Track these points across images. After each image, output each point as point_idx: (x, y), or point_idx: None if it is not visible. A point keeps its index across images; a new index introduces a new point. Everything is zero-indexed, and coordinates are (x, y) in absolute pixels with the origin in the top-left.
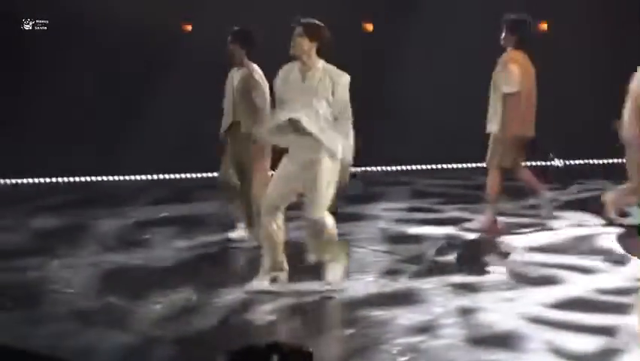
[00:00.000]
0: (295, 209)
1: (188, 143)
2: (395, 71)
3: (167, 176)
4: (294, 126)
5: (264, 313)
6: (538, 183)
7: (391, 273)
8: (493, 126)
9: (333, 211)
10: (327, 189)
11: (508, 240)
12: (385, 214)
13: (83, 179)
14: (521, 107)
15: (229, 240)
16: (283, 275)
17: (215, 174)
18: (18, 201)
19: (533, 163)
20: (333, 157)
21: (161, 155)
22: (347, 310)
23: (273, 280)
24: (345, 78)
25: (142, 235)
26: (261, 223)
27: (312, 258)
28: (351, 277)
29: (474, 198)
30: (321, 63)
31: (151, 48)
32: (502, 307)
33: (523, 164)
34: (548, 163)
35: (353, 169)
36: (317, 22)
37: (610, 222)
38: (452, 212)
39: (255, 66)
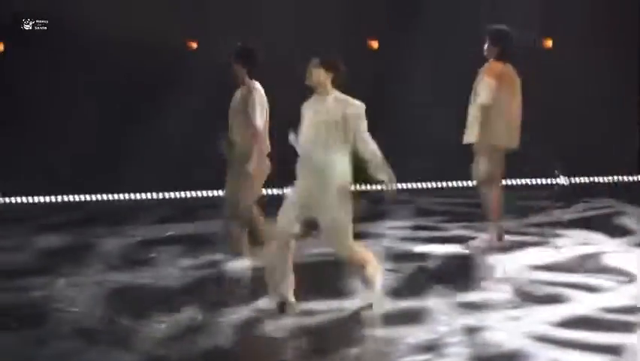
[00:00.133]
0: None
1: (194, 161)
2: (399, 89)
3: (172, 195)
4: (305, 155)
5: (269, 333)
6: (498, 211)
7: (396, 291)
8: (469, 137)
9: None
10: (342, 217)
11: (513, 258)
12: (390, 232)
13: (87, 197)
14: (500, 118)
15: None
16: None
17: (221, 193)
18: (22, 220)
19: (539, 181)
20: (340, 186)
21: (166, 173)
22: (352, 329)
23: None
24: (354, 108)
25: (147, 253)
26: (270, 247)
27: None
28: (356, 296)
29: (478, 216)
30: (334, 94)
31: (155, 65)
32: (507, 326)
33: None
34: (553, 181)
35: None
36: (334, 54)
37: None
38: (457, 230)
39: (256, 85)
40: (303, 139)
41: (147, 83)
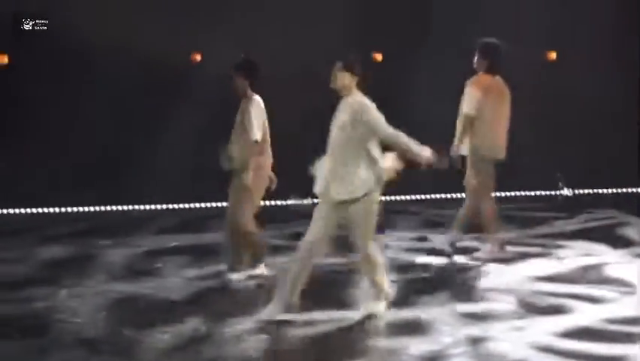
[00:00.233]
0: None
1: (198, 172)
2: (404, 101)
3: (176, 206)
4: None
5: (274, 344)
6: (494, 223)
7: (400, 302)
8: (460, 149)
9: None
10: (369, 227)
11: (516, 269)
12: (394, 243)
13: (91, 208)
14: (486, 130)
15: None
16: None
17: (225, 204)
18: (25, 231)
19: (542, 192)
20: (355, 188)
21: (171, 184)
22: (357, 340)
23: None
24: (357, 106)
25: (151, 264)
26: (293, 258)
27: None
28: (360, 306)
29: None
30: (355, 97)
31: (159, 78)
32: (511, 337)
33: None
34: (557, 192)
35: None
36: (357, 56)
37: None
38: (461, 241)
39: (256, 97)
40: (328, 147)
41: (152, 94)
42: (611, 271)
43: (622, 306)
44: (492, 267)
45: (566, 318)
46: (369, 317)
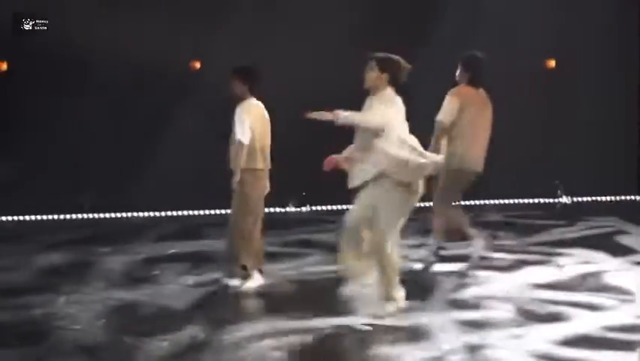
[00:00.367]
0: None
1: (198, 180)
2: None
3: (175, 213)
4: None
5: (272, 350)
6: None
7: (400, 310)
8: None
9: None
10: (386, 214)
11: (515, 276)
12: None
13: (90, 216)
14: (464, 141)
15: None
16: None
17: (224, 212)
18: (24, 239)
19: (541, 200)
20: (376, 182)
21: (169, 192)
22: (355, 348)
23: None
24: (371, 100)
25: (150, 271)
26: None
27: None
28: (358, 314)
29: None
30: (380, 94)
31: (158, 85)
32: (510, 344)
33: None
34: (556, 200)
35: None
36: (389, 55)
37: None
38: (460, 249)
39: (251, 101)
40: None
41: (151, 101)
42: (610, 279)
43: (621, 314)
44: (490, 274)
45: (564, 326)
46: (368, 323)
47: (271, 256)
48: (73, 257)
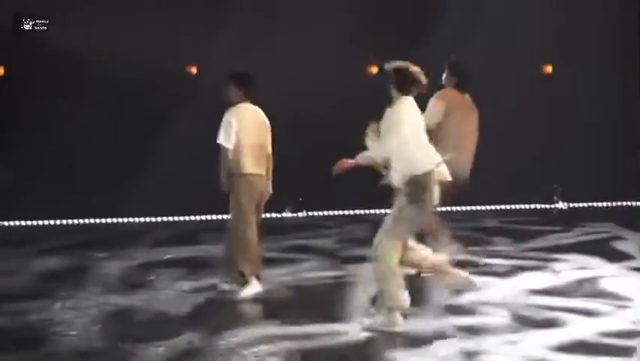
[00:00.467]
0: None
1: (194, 185)
2: None
3: (171, 218)
4: None
5: (268, 356)
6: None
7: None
8: None
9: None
10: (393, 219)
11: (510, 282)
12: None
13: (87, 221)
14: (449, 145)
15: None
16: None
17: (221, 217)
18: (21, 244)
19: (537, 206)
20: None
21: (166, 197)
22: (351, 353)
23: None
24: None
25: (146, 276)
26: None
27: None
28: (355, 320)
29: (479, 241)
30: (397, 102)
31: (155, 91)
32: (505, 350)
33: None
34: (553, 205)
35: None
36: (400, 64)
37: None
38: (458, 255)
39: (241, 107)
40: None
41: (147, 107)
42: (606, 285)
43: (617, 319)
44: (486, 280)
45: (560, 331)
46: (366, 329)
47: (268, 262)
48: (70, 262)
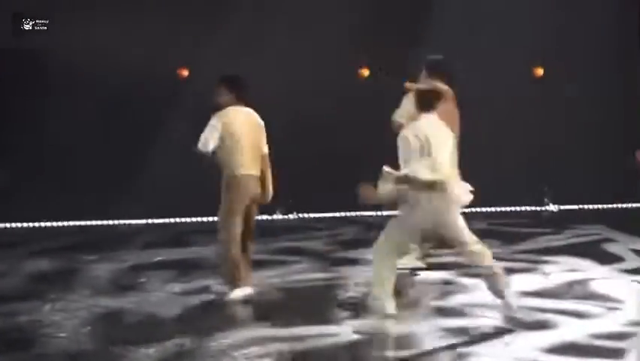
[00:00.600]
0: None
1: (185, 187)
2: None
3: (162, 220)
4: None
5: (259, 358)
6: None
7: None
8: None
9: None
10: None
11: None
12: None
13: (77, 223)
14: None
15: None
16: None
17: (212, 219)
18: (13, 245)
19: (528, 208)
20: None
21: (156, 199)
22: (341, 355)
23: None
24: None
25: (136, 278)
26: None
27: None
28: (345, 321)
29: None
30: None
31: (145, 93)
32: (496, 352)
33: None
34: (543, 208)
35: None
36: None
37: None
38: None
39: (230, 110)
40: None
41: (137, 109)
42: (596, 287)
43: (607, 321)
44: (477, 282)
45: (551, 333)
46: (355, 331)
47: (258, 264)
48: (60, 264)
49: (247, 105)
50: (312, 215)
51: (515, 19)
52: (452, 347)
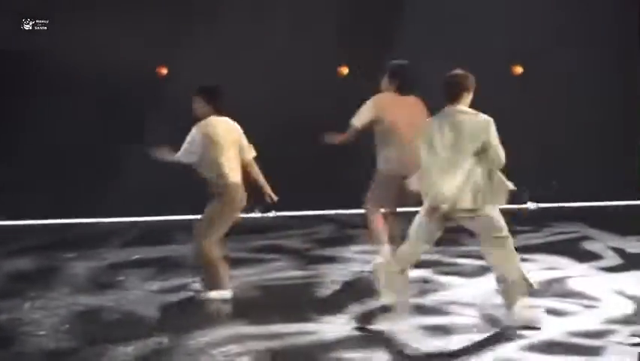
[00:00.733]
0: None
1: (163, 185)
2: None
3: (141, 218)
4: None
5: (237, 356)
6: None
7: (364, 315)
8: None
9: None
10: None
11: (480, 282)
12: (359, 257)
13: (56, 221)
14: (390, 146)
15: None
16: None
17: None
18: None
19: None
20: None
21: (135, 197)
22: (320, 353)
23: None
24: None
25: (115, 277)
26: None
27: None
28: (323, 319)
29: (450, 242)
30: None
31: (124, 91)
32: (474, 350)
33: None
34: (522, 206)
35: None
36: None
37: None
38: (427, 255)
39: (210, 120)
40: None
41: (118, 108)
42: (574, 285)
43: (585, 319)
44: (455, 280)
45: (530, 331)
46: (333, 328)
47: (236, 262)
48: (39, 262)
49: (224, 115)
50: (290, 213)
51: (516, 19)
52: (430, 344)
